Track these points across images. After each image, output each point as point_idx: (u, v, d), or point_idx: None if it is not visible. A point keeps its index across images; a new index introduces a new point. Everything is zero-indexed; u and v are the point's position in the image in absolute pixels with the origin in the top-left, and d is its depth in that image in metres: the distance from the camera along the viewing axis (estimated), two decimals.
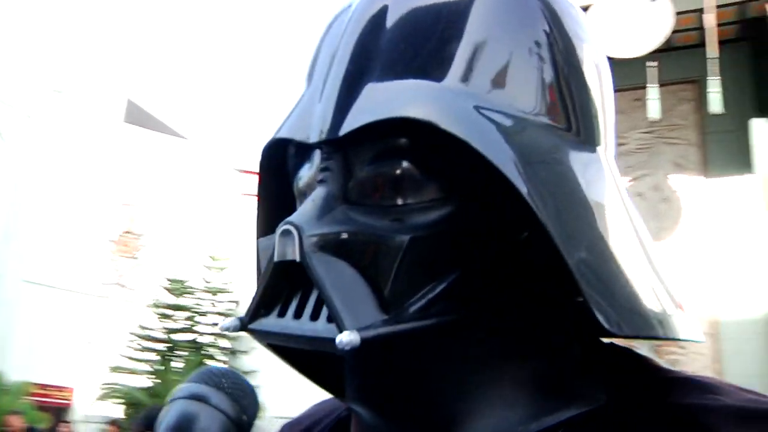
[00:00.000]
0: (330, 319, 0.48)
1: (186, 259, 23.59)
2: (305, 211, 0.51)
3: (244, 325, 0.54)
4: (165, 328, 22.75)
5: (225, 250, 23.58)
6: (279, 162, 0.61)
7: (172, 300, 22.95)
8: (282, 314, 0.51)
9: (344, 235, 0.50)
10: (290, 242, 0.49)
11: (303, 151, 0.57)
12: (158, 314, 22.79)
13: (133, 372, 22.02)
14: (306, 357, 0.53)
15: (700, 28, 8.63)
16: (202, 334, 22.92)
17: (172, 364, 21.88)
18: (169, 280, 23.17)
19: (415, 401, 0.53)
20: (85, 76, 23.69)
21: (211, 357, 22.36)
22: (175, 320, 22.78)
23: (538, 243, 0.51)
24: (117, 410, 22.08)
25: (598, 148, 0.58)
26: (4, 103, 20.74)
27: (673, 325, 0.53)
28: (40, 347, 20.53)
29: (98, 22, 24.99)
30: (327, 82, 0.55)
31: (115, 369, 21.98)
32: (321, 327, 0.48)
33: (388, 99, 0.50)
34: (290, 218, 0.50)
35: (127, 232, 24.11)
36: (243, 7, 27.33)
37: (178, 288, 22.99)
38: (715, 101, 5.77)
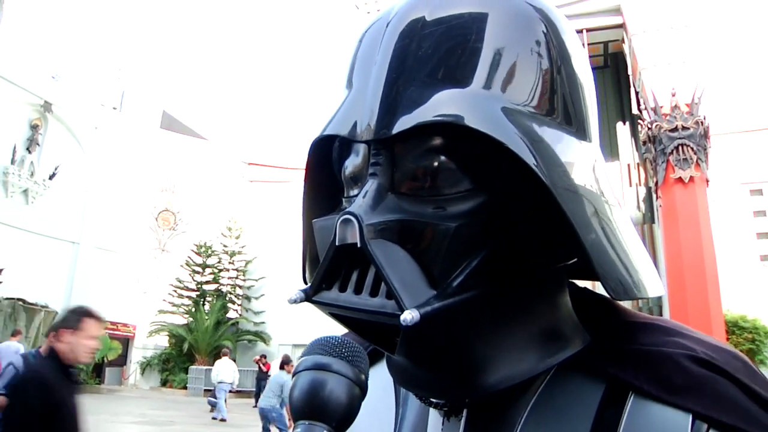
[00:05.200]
0: (389, 295, 0.47)
1: (209, 229, 24.99)
2: (361, 201, 0.49)
3: (308, 297, 0.53)
4: (196, 281, 24.68)
5: (238, 222, 25.36)
6: (322, 154, 0.59)
7: (200, 260, 24.85)
8: (343, 289, 0.50)
9: (397, 223, 0.49)
10: (350, 229, 0.48)
11: (348, 145, 0.56)
12: (190, 270, 24.72)
13: (174, 313, 23.85)
14: (359, 321, 0.50)
15: None
16: (223, 285, 24.81)
17: (202, 306, 23.85)
18: (197, 245, 24.90)
19: (450, 356, 0.53)
20: (131, 95, 24.98)
21: (231, 301, 24.49)
22: (203, 275, 24.78)
23: (542, 225, 0.51)
24: (163, 340, 23.88)
25: (591, 139, 0.57)
26: (78, 118, 22.13)
27: (645, 286, 0.54)
28: (110, 294, 21.76)
29: (138, 53, 26.00)
30: (371, 86, 0.53)
31: (162, 311, 23.74)
32: (381, 302, 0.48)
33: (429, 104, 0.49)
34: (350, 208, 0.49)
35: (166, 210, 25.70)
36: (253, 28, 30.37)
37: (204, 251, 24.88)
38: None
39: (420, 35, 0.53)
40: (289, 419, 9.37)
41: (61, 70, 22.50)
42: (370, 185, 0.51)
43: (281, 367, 9.85)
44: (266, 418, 9.82)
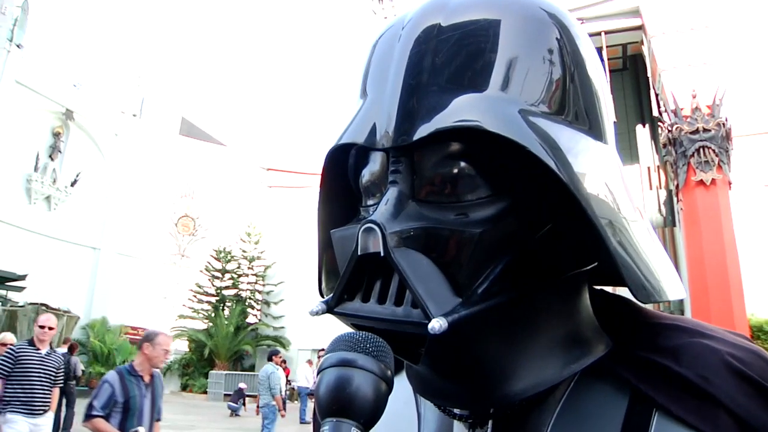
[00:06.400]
0: (414, 305, 0.47)
1: (229, 234, 25.23)
2: (383, 209, 0.49)
3: (330, 308, 0.52)
4: (215, 286, 24.95)
5: (257, 227, 25.61)
6: (338, 163, 0.58)
7: (220, 265, 25.13)
8: (366, 299, 0.50)
9: (420, 231, 0.48)
10: (373, 237, 0.47)
11: (365, 154, 0.55)
12: (210, 276, 25.01)
13: (194, 318, 24.07)
14: (381, 332, 0.48)
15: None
16: (242, 290, 25.08)
17: (221, 311, 24.13)
18: (216, 250, 25.22)
19: (475, 364, 0.52)
20: (151, 102, 25.23)
21: (251, 306, 24.67)
22: (222, 280, 25.03)
23: (563, 228, 0.51)
24: (183, 345, 23.97)
25: (608, 140, 0.56)
26: (99, 125, 22.44)
27: (665, 289, 0.52)
28: (131, 300, 22.19)
29: (157, 60, 26.27)
30: (387, 93, 0.52)
31: (182, 316, 23.98)
32: (406, 312, 0.47)
33: (448, 110, 0.48)
34: (371, 217, 0.48)
35: (186, 216, 25.98)
36: (271, 34, 30.41)
37: (223, 256, 25.19)
38: None
39: (436, 41, 0.52)
40: (280, 410, 9.44)
41: (82, 79, 22.86)
42: (391, 193, 0.50)
43: (269, 359, 9.89)
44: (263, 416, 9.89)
